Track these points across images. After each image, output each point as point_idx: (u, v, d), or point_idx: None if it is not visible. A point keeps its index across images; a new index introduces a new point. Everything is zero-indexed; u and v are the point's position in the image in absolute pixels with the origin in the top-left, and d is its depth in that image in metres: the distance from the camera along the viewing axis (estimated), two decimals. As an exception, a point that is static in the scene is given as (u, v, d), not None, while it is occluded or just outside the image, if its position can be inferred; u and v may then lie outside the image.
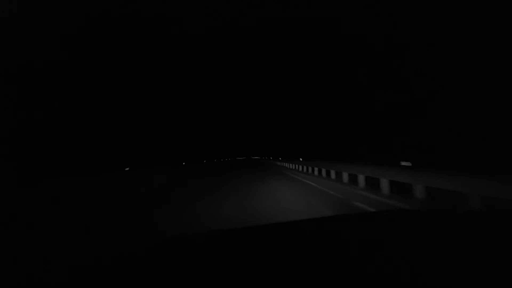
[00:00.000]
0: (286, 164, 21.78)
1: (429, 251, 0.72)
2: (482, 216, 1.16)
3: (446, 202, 4.96)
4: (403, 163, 7.88)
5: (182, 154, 35.52)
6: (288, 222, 1.16)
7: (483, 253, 0.69)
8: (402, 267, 0.63)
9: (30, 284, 0.65)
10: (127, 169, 13.49)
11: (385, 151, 15.55)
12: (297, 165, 17.39)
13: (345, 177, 8.98)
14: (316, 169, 12.95)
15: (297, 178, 10.82)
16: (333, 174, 10.48)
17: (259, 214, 4.46)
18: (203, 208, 5.20)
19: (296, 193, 6.67)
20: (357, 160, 11.73)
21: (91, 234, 3.72)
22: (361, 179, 7.67)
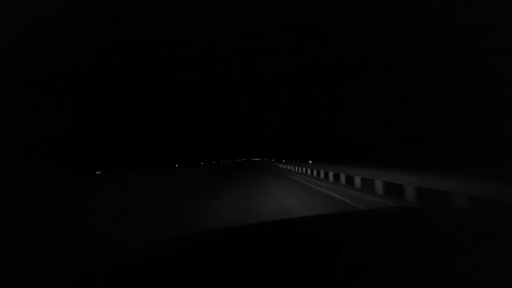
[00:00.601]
0: (291, 167, 20.07)
1: (425, 250, 0.73)
2: (476, 215, 1.15)
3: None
4: None
5: (178, 155, 34.58)
6: (285, 220, 1.16)
7: (479, 252, 0.69)
8: (398, 264, 0.63)
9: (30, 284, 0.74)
10: (98, 172, 12.52)
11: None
12: (304, 169, 15.50)
13: (379, 186, 6.81)
14: (331, 174, 10.64)
15: (316, 188, 8.45)
16: (358, 182, 8.19)
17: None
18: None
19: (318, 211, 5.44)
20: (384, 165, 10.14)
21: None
22: (410, 190, 5.56)
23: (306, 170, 15.04)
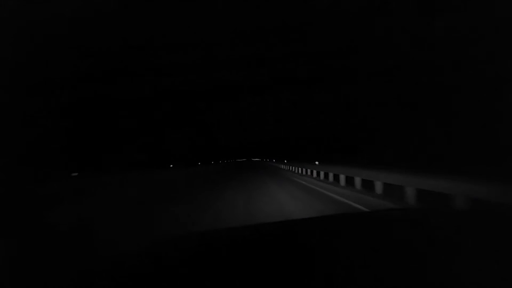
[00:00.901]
0: (293, 168, 19.35)
1: (425, 250, 0.73)
2: (476, 216, 1.21)
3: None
4: None
5: (177, 156, 34.60)
6: (285, 221, 1.27)
7: (479, 253, 0.69)
8: (398, 265, 0.63)
9: (30, 284, 0.82)
10: (75, 174, 12.30)
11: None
12: (309, 171, 14.29)
13: (411, 193, 5.24)
14: (342, 177, 9.19)
15: (334, 197, 6.56)
16: (379, 188, 6.72)
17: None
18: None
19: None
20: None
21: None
22: (460, 200, 4.10)
23: (312, 172, 13.72)
